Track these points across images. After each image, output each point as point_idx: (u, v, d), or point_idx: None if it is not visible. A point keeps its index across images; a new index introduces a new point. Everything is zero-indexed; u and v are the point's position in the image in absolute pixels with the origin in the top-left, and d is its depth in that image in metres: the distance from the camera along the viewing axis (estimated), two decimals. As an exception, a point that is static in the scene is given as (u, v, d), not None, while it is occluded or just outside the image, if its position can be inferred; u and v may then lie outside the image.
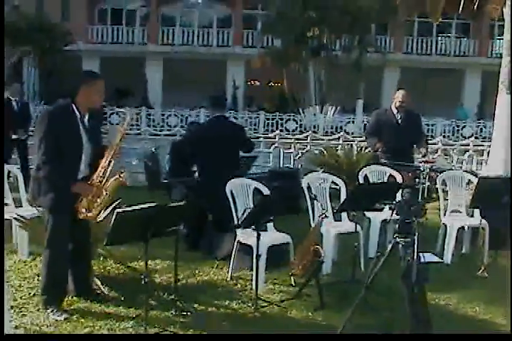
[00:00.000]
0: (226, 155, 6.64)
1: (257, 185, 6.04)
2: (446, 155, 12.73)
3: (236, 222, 5.59)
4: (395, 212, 3.80)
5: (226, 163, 6.61)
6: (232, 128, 7.00)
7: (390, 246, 3.85)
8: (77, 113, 4.69)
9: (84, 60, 29.53)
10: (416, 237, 3.68)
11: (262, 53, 26.48)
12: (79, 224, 4.75)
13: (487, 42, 31.35)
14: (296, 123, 24.29)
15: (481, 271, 6.13)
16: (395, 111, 7.80)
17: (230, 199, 5.86)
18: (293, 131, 22.23)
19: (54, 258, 4.74)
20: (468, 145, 12.85)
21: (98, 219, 5.10)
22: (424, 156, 7.49)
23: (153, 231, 4.32)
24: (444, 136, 18.06)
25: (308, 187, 6.46)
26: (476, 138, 17.86)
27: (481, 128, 24.35)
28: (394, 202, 3.89)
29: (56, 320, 4.59)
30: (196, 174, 7.06)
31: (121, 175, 4.66)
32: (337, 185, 6.63)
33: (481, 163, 11.92)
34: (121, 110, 22.44)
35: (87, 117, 4.76)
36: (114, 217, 4.12)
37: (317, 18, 24.81)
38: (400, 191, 5.00)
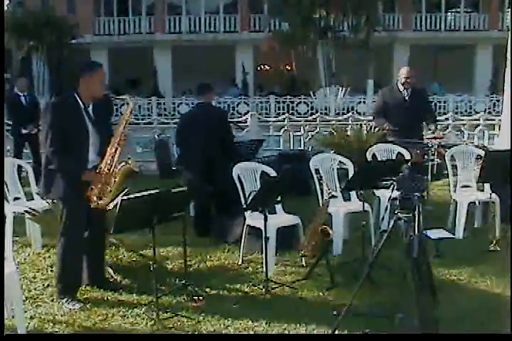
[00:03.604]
0: (209, 140, 6.67)
1: (264, 168, 6.05)
2: (459, 131, 12.66)
3: (244, 205, 5.62)
4: (395, 188, 3.81)
5: (210, 147, 6.65)
6: (215, 114, 7.06)
7: (392, 222, 3.86)
8: (81, 103, 4.74)
9: (92, 52, 29.53)
10: (417, 212, 3.67)
11: (269, 37, 26.33)
12: (92, 213, 4.79)
13: (497, 15, 30.87)
14: (307, 105, 24.19)
15: (492, 244, 6.11)
16: (401, 88, 7.74)
17: (238, 183, 5.90)
18: (304, 113, 22.17)
19: (69, 248, 4.79)
20: (479, 120, 12.75)
21: (108, 208, 5.15)
22: (433, 132, 7.43)
23: (158, 218, 4.36)
24: (456, 113, 17.91)
25: (316, 169, 6.47)
26: (489, 113, 17.71)
27: (494, 103, 24.13)
28: (393, 179, 3.89)
29: (70, 309, 4.65)
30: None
31: (129, 162, 4.70)
32: (345, 165, 6.63)
33: (493, 138, 11.82)
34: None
35: (91, 107, 4.80)
36: (118, 204, 4.16)
37: (323, -2, 24.62)
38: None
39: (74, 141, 4.68)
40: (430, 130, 7.51)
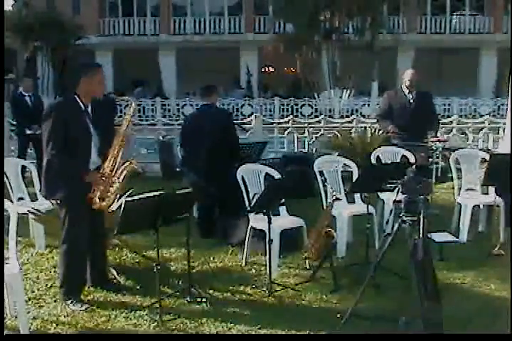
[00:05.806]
0: (213, 142, 6.65)
1: (269, 170, 6.04)
2: (463, 134, 12.63)
3: (248, 207, 5.61)
4: (400, 191, 3.80)
5: (214, 148, 6.63)
6: (220, 116, 7.02)
7: (396, 226, 3.85)
8: (81, 104, 4.72)
9: (97, 53, 29.60)
10: (422, 215, 3.66)
11: (274, 39, 26.33)
12: (93, 215, 4.78)
13: (502, 18, 30.79)
14: (312, 107, 24.20)
15: (496, 248, 6.09)
16: (405, 91, 7.73)
17: (242, 185, 5.89)
18: (308, 115, 22.17)
19: (72, 250, 4.77)
20: (484, 123, 12.71)
21: (111, 209, 5.16)
22: (435, 136, 7.42)
23: (162, 219, 4.35)
24: (460, 116, 17.85)
25: (320, 171, 6.46)
26: (493, 116, 17.65)
27: (499, 106, 24.10)
28: (398, 182, 3.88)
29: (73, 310, 4.64)
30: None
31: (132, 162, 4.69)
32: (350, 167, 6.62)
33: (497, 141, 11.79)
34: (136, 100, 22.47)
35: (90, 107, 4.78)
36: (122, 206, 4.15)
37: (328, 0, 24.57)
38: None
39: (75, 142, 4.66)
40: (430, 135, 7.46)
